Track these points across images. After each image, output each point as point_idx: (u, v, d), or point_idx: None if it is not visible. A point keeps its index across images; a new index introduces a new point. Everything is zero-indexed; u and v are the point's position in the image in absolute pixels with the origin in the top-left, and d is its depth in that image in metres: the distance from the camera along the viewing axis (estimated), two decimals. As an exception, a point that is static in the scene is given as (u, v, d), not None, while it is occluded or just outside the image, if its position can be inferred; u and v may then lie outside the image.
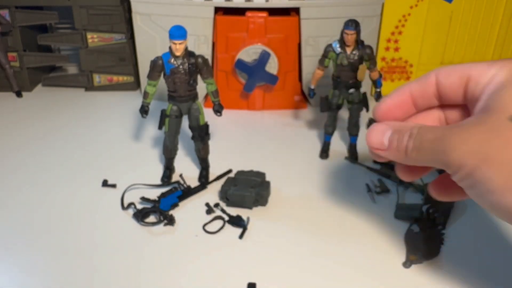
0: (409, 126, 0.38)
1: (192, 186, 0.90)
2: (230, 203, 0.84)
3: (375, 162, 0.97)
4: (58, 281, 0.68)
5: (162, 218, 0.80)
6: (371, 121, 0.86)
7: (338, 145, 1.07)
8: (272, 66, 1.18)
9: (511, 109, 0.32)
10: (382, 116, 0.42)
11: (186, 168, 0.97)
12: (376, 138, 0.40)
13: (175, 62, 0.84)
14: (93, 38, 1.34)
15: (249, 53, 1.18)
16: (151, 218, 0.81)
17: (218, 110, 0.90)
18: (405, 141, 0.37)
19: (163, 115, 0.89)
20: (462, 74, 0.38)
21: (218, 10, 1.20)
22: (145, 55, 1.24)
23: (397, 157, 0.38)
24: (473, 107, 0.37)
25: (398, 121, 0.41)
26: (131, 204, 0.83)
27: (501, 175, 0.31)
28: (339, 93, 0.97)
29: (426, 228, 0.76)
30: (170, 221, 0.79)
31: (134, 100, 1.31)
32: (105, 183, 0.91)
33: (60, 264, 0.71)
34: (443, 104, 0.42)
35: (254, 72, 1.18)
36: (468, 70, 0.38)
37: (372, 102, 0.96)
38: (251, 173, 0.89)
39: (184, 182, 0.91)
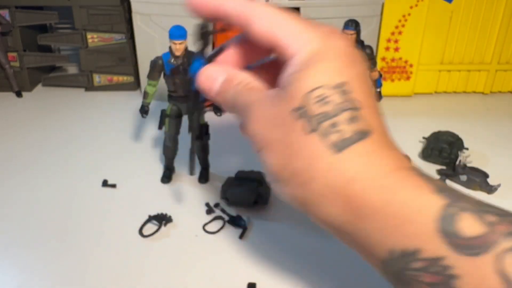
0: (240, 78, 0.38)
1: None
2: (230, 203, 0.84)
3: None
4: (58, 281, 0.68)
5: (159, 223, 0.79)
6: None
7: (338, 145, 1.07)
8: (272, 66, 1.18)
9: (299, 97, 0.30)
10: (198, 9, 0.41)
11: (186, 168, 0.97)
12: (207, 82, 0.40)
13: (175, 62, 0.84)
14: (93, 38, 1.34)
15: (249, 53, 1.18)
16: (149, 227, 0.80)
17: (218, 110, 0.90)
18: (229, 93, 0.38)
19: (163, 115, 0.89)
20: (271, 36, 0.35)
21: (218, 10, 1.20)
22: (145, 55, 1.24)
23: (223, 99, 0.39)
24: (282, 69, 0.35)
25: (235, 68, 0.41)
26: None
27: (275, 164, 0.35)
28: (339, 93, 0.97)
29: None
30: (169, 220, 0.79)
31: (134, 100, 1.31)
32: (105, 183, 0.91)
33: (59, 264, 0.71)
34: None
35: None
36: (277, 34, 0.34)
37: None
38: (251, 173, 0.89)
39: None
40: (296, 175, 0.32)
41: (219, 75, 0.39)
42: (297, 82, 0.31)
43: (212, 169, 0.95)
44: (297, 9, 1.19)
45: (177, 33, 0.81)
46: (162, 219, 0.79)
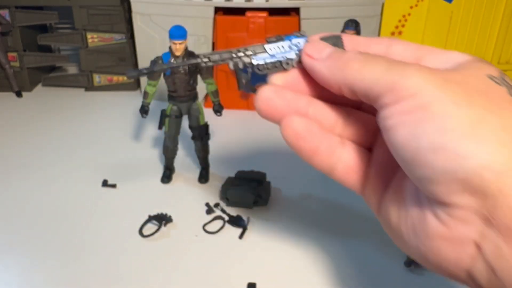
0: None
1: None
2: (230, 203, 0.84)
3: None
4: (58, 281, 0.68)
5: (159, 223, 0.79)
6: None
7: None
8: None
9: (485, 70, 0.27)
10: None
11: (186, 168, 0.98)
12: (316, 45, 0.32)
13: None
14: (93, 38, 1.34)
15: (249, 53, 1.18)
16: (149, 227, 0.80)
17: (218, 110, 0.90)
18: (354, 55, 0.30)
19: (163, 115, 0.89)
20: (416, 55, 0.31)
21: (218, 10, 1.20)
22: (145, 55, 1.24)
23: (331, 69, 0.31)
24: None
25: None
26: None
27: (461, 117, 0.24)
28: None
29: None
30: (169, 220, 0.79)
31: (134, 100, 1.31)
32: (105, 183, 0.91)
33: (59, 264, 0.71)
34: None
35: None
36: (423, 53, 0.31)
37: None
38: (251, 173, 0.89)
39: None
40: None
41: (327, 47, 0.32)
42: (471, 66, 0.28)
43: (212, 169, 0.95)
44: (297, 9, 1.19)
45: (177, 33, 0.81)
46: (162, 219, 0.79)
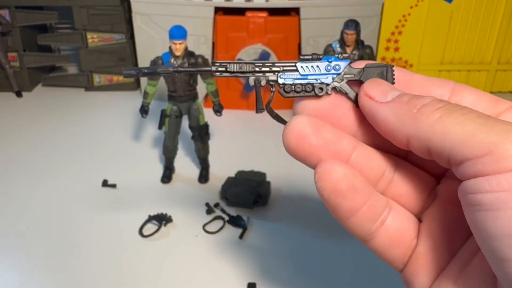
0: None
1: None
2: (230, 203, 0.84)
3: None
4: (58, 281, 0.68)
5: (159, 223, 0.79)
6: None
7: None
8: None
9: None
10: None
11: (186, 168, 0.98)
12: (379, 86, 0.26)
13: (175, 62, 0.84)
14: (93, 38, 1.34)
15: (249, 53, 1.18)
16: (149, 227, 0.80)
17: (218, 110, 0.90)
18: (427, 99, 0.24)
19: (163, 115, 0.89)
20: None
21: (218, 10, 1.20)
22: (145, 55, 1.24)
23: (397, 114, 0.24)
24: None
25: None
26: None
27: None
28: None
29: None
30: (169, 220, 0.80)
31: (134, 100, 1.31)
32: (105, 183, 0.91)
33: (59, 264, 0.71)
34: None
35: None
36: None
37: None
38: (252, 173, 0.89)
39: None
40: None
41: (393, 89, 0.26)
42: None
43: (212, 169, 0.95)
44: (297, 9, 1.19)
45: (177, 33, 0.81)
46: (162, 219, 0.79)
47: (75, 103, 1.32)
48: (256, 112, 0.29)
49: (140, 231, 0.78)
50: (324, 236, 0.77)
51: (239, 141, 1.11)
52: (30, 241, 0.76)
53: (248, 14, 1.18)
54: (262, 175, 0.88)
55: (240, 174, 0.89)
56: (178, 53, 0.83)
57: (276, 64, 0.29)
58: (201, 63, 0.85)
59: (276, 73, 0.29)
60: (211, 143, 0.94)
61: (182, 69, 0.29)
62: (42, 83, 1.43)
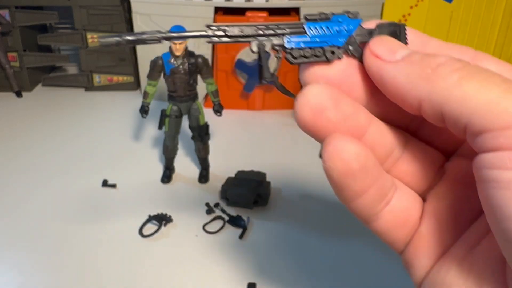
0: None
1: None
2: (230, 203, 0.84)
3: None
4: (58, 281, 0.68)
5: (159, 223, 0.79)
6: None
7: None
8: (272, 66, 1.19)
9: None
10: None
11: (186, 168, 0.97)
12: (386, 43, 0.23)
13: (175, 62, 0.84)
14: (93, 38, 1.34)
15: (249, 53, 1.18)
16: (149, 227, 0.80)
17: (218, 110, 0.90)
18: (442, 59, 0.21)
19: (163, 115, 0.89)
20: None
21: (218, 10, 1.20)
22: (145, 55, 1.24)
23: (408, 75, 0.22)
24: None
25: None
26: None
27: None
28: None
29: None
30: (169, 220, 0.80)
31: (134, 100, 1.31)
32: (105, 183, 0.91)
33: (59, 264, 0.71)
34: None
35: (254, 72, 1.18)
36: None
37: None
38: (252, 173, 0.89)
39: None
40: None
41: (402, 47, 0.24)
42: None
43: (212, 169, 0.95)
44: (297, 9, 1.19)
45: (177, 33, 0.81)
46: (162, 219, 0.79)
47: (75, 103, 1.32)
48: (261, 82, 0.25)
49: (140, 231, 0.78)
50: (324, 236, 0.77)
51: (239, 141, 1.11)
52: (29, 240, 0.76)
53: (248, 14, 1.18)
54: (262, 175, 0.88)
55: (240, 174, 0.89)
56: (178, 53, 0.83)
57: (281, 26, 0.25)
58: (201, 63, 0.85)
59: (282, 36, 0.26)
60: (211, 143, 0.94)
61: (173, 34, 0.25)
62: (42, 83, 1.42)
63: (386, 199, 0.24)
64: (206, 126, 0.91)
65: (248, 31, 0.25)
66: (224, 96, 0.96)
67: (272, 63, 0.25)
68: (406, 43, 0.25)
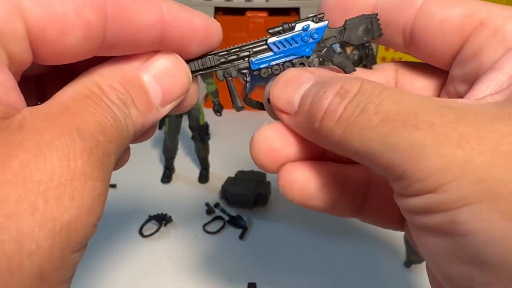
0: (344, 76, 0.22)
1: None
2: (230, 203, 0.84)
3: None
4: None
5: (159, 223, 0.79)
6: None
7: (338, 145, 1.07)
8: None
9: None
10: None
11: (186, 168, 0.98)
12: (283, 92, 0.23)
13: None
14: (93, 38, 1.34)
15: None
16: (149, 227, 0.80)
17: (218, 110, 0.90)
18: (329, 100, 0.20)
19: (163, 115, 0.89)
20: (467, 12, 0.22)
21: (218, 10, 1.20)
22: (145, 55, 1.24)
23: (306, 130, 0.22)
24: (475, 78, 0.22)
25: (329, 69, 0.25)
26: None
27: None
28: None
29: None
30: (169, 220, 0.80)
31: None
32: (105, 183, 0.91)
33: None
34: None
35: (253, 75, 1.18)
36: (477, 10, 0.22)
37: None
38: (251, 173, 0.89)
39: None
40: None
41: (306, 81, 0.23)
42: None
43: (212, 169, 0.95)
44: (297, 9, 1.19)
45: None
46: (162, 219, 0.79)
47: (75, 103, 1.32)
48: (237, 111, 0.27)
49: (140, 231, 0.78)
50: (324, 236, 0.77)
51: (239, 141, 1.11)
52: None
53: (248, 14, 1.18)
54: (262, 175, 0.88)
55: (240, 174, 0.89)
56: (178, 53, 0.83)
57: (243, 48, 0.25)
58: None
59: (247, 59, 0.25)
60: (211, 143, 0.94)
61: None
62: (42, 83, 1.42)
63: (359, 200, 0.26)
64: (206, 126, 0.91)
65: (210, 62, 0.25)
66: (224, 96, 0.96)
67: (246, 87, 0.25)
68: (380, 34, 0.24)
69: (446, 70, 0.24)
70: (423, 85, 0.26)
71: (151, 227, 0.79)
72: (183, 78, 0.24)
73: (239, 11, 1.19)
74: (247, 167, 0.92)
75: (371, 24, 0.25)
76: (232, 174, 0.89)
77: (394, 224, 0.27)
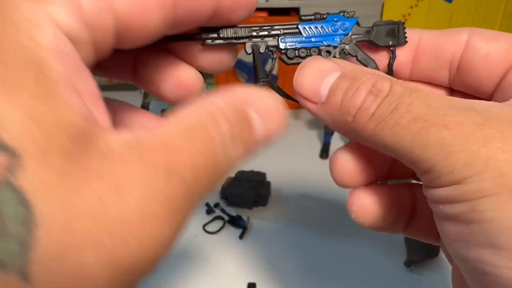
0: (372, 73, 0.23)
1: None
2: (230, 203, 0.84)
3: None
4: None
5: None
6: None
7: (338, 145, 1.07)
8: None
9: None
10: None
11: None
12: (309, 80, 0.24)
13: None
14: (93, 38, 1.34)
15: (249, 53, 1.18)
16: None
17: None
18: (362, 98, 0.22)
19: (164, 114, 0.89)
20: (510, 45, 0.25)
21: (218, 10, 1.20)
22: (145, 55, 1.24)
23: (336, 122, 0.24)
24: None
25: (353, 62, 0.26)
26: None
27: None
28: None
29: (426, 228, 0.76)
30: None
31: (134, 100, 1.31)
32: (105, 183, 0.91)
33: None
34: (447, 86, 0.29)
35: (253, 72, 1.18)
36: None
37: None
38: (251, 173, 0.89)
39: None
40: None
41: (331, 71, 0.24)
42: None
43: (212, 169, 0.95)
44: (297, 9, 1.19)
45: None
46: (162, 219, 0.79)
47: (75, 103, 1.32)
48: (256, 83, 0.27)
49: (140, 231, 0.78)
50: (324, 236, 0.77)
51: (239, 141, 1.11)
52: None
53: (248, 14, 1.18)
54: (262, 175, 0.88)
55: (240, 174, 0.89)
56: (178, 53, 0.83)
57: (275, 27, 0.25)
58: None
59: (277, 37, 0.26)
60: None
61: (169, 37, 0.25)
62: (42, 83, 1.42)
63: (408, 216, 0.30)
64: (206, 126, 0.91)
65: (242, 32, 0.25)
66: (224, 96, 0.96)
67: (268, 64, 0.26)
68: (405, 41, 0.26)
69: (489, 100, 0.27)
70: None
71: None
72: (283, 118, 0.23)
73: (239, 11, 1.19)
74: (247, 167, 0.92)
75: (398, 30, 0.26)
76: (232, 174, 0.89)
77: (433, 238, 0.31)
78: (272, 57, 0.26)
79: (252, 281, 0.67)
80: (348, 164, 0.28)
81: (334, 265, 0.71)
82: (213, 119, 0.20)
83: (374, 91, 0.22)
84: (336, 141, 1.07)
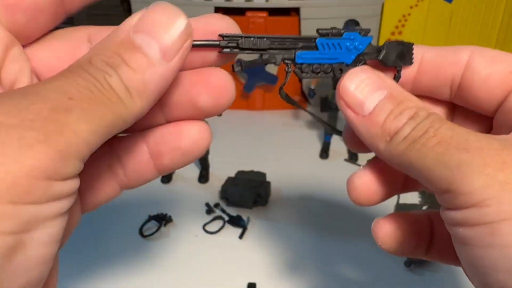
0: (416, 102, 0.25)
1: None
2: (230, 203, 0.84)
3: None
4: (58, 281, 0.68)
5: (159, 223, 0.79)
6: None
7: (338, 145, 1.07)
8: (272, 66, 1.18)
9: None
10: None
11: (186, 168, 0.97)
12: (357, 90, 0.25)
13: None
14: (93, 38, 1.34)
15: (249, 54, 1.18)
16: (149, 227, 0.80)
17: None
18: (402, 121, 0.24)
19: (163, 115, 0.89)
20: (510, 68, 0.26)
21: (218, 10, 1.20)
22: (145, 55, 1.24)
23: (371, 137, 0.25)
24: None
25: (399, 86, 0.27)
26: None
27: None
28: (339, 93, 0.97)
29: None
30: (169, 220, 0.80)
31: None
32: (105, 183, 0.91)
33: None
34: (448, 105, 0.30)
35: (254, 72, 1.18)
36: None
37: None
38: (251, 173, 0.89)
39: None
40: None
41: (380, 88, 0.26)
42: None
43: (212, 169, 0.95)
44: (297, 9, 1.19)
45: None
46: (162, 219, 0.79)
47: (75, 103, 1.32)
48: (234, 71, 0.30)
49: (140, 231, 0.78)
50: (324, 236, 0.77)
51: (239, 141, 1.11)
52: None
53: (248, 14, 1.18)
54: (262, 175, 0.88)
55: (240, 174, 0.89)
56: (178, 53, 0.83)
57: (293, 41, 0.26)
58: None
59: (294, 51, 0.26)
60: (211, 143, 0.94)
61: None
62: (42, 83, 1.43)
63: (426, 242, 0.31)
64: (206, 126, 0.91)
65: (261, 44, 0.26)
66: (224, 96, 0.96)
67: (273, 70, 0.26)
68: (411, 62, 0.27)
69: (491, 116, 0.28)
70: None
71: (151, 227, 0.79)
72: (179, 24, 0.24)
73: (239, 11, 1.19)
74: (247, 167, 0.92)
75: (407, 51, 0.27)
76: (232, 174, 0.89)
77: (454, 262, 0.31)
78: (287, 70, 0.26)
79: (252, 281, 0.67)
80: (365, 186, 0.31)
81: (334, 264, 0.71)
82: (88, 62, 0.22)
83: (414, 116, 0.24)
84: (336, 141, 1.07)
